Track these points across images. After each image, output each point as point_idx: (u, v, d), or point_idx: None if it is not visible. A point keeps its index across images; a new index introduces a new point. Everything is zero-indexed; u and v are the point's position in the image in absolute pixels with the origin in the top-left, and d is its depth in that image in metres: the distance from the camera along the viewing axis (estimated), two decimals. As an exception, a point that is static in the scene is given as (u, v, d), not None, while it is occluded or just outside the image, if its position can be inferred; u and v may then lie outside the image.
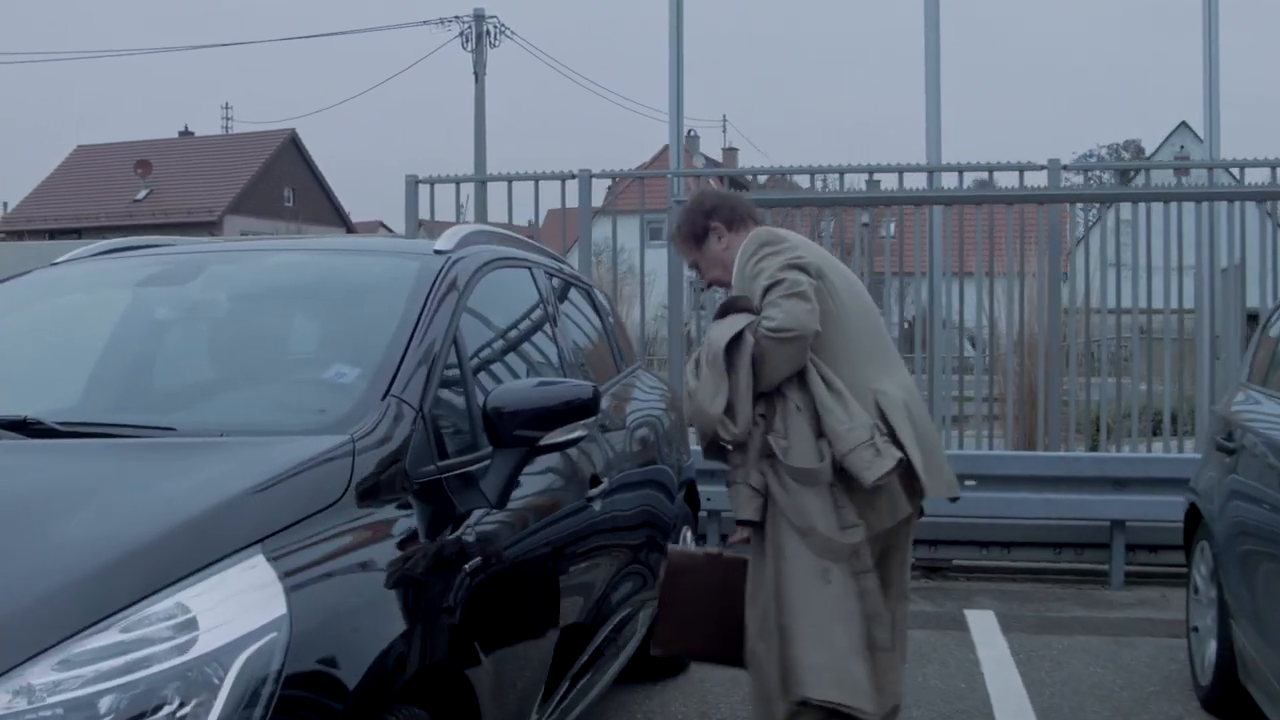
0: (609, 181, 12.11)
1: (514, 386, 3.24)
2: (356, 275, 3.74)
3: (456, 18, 33.72)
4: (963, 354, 9.75)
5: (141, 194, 49.37)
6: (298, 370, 3.43)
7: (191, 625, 2.10)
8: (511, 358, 3.98)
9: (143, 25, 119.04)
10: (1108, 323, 8.65)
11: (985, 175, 8.73)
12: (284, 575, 2.28)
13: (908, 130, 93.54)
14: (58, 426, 2.81)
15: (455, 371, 3.26)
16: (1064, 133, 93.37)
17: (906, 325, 11.69)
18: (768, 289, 3.59)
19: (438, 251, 3.67)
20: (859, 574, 3.61)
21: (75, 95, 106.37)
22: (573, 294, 4.90)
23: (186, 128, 55.86)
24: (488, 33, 33.43)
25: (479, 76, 32.85)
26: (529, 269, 4.31)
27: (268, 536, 2.34)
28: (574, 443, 3.28)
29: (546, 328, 4.24)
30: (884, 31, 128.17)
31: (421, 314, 3.26)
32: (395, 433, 2.84)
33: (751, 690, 3.68)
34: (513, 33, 43.43)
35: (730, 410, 3.55)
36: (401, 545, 2.66)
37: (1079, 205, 9.67)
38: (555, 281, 4.60)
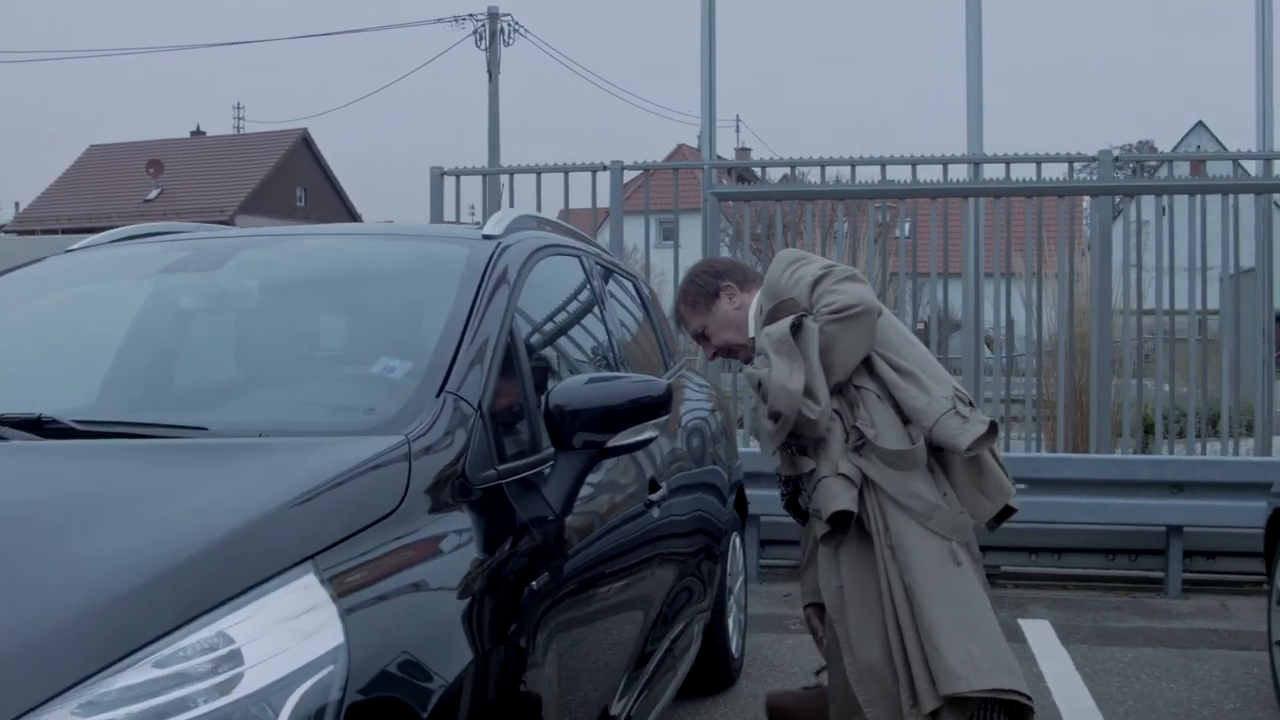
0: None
1: (577, 383, 2.88)
2: (400, 262, 3.42)
3: (470, 16, 33.56)
4: (1012, 354, 9.43)
5: (153, 194, 49.17)
6: (341, 364, 3.10)
7: (236, 658, 1.79)
8: (567, 352, 3.68)
9: (152, 24, 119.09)
10: (1156, 323, 8.36)
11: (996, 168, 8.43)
12: (338, 597, 1.97)
13: (910, 128, 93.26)
14: (75, 425, 2.48)
15: (512, 366, 2.96)
16: (1070, 131, 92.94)
17: (921, 325, 11.44)
18: (817, 281, 3.36)
19: (486, 237, 3.36)
20: (977, 561, 3.37)
21: (84, 95, 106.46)
22: (619, 285, 4.60)
23: (198, 127, 55.78)
24: (501, 31, 33.25)
25: (493, 75, 32.69)
26: (578, 257, 4.01)
27: (318, 553, 2.02)
28: (643, 445, 2.96)
29: (599, 320, 3.94)
30: (880, 29, 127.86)
31: (475, 303, 2.95)
32: (454, 433, 2.52)
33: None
34: (526, 31, 43.23)
35: (808, 393, 3.28)
36: (464, 561, 2.34)
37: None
38: (602, 271, 4.30)
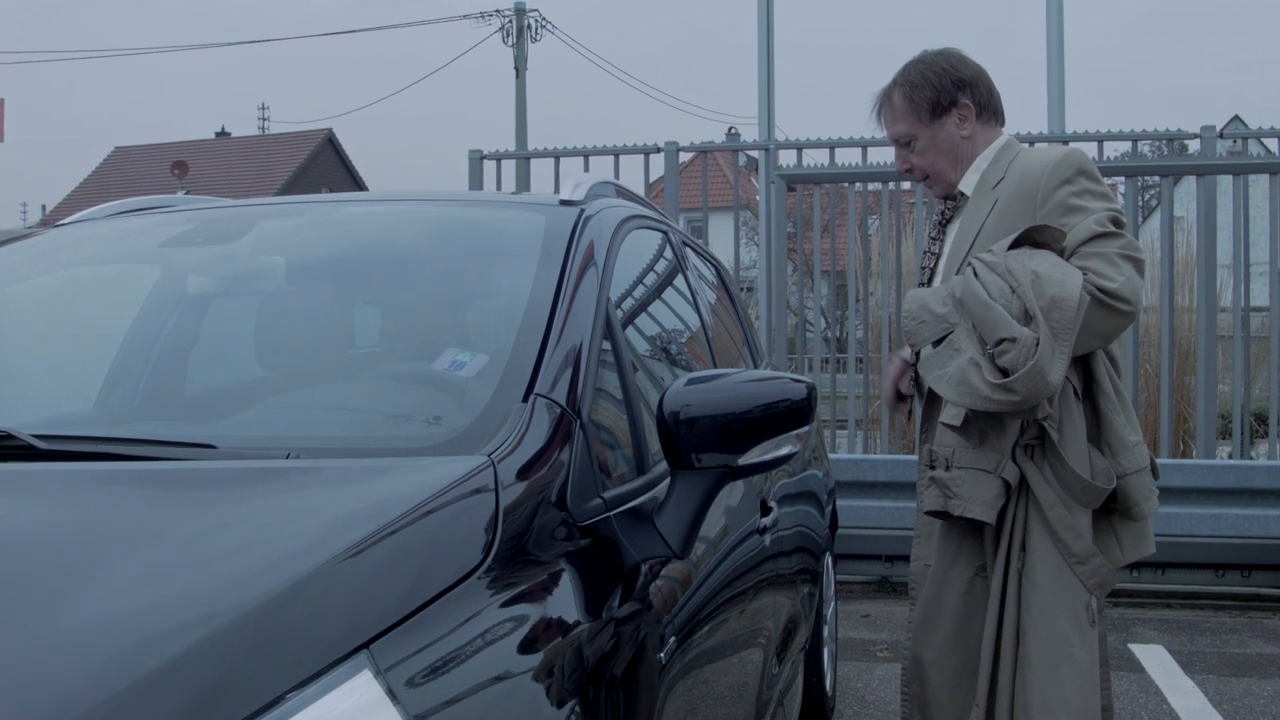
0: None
1: (696, 384, 2.18)
2: (461, 232, 2.74)
3: (497, 12, 33.16)
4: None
5: (178, 195, 48.83)
6: (392, 360, 2.41)
7: None
8: (666, 346, 3.01)
9: (175, 26, 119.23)
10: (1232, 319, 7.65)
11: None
12: (404, 697, 1.32)
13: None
14: (35, 442, 1.78)
15: (610, 361, 2.30)
16: (1087, 124, 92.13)
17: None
18: (1100, 235, 2.68)
19: (565, 203, 2.71)
20: (1101, 618, 2.88)
21: (109, 97, 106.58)
22: (703, 269, 3.93)
23: (223, 128, 55.52)
24: (528, 26, 32.90)
25: (520, 71, 32.31)
26: (665, 233, 3.34)
27: (376, 637, 1.37)
28: (781, 463, 2.28)
29: (694, 309, 3.28)
30: (886, 26, 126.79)
31: (562, 282, 2.29)
32: (551, 451, 1.87)
33: None
34: (554, 27, 42.65)
35: None
36: (574, 635, 1.68)
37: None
38: (690, 252, 3.64)
